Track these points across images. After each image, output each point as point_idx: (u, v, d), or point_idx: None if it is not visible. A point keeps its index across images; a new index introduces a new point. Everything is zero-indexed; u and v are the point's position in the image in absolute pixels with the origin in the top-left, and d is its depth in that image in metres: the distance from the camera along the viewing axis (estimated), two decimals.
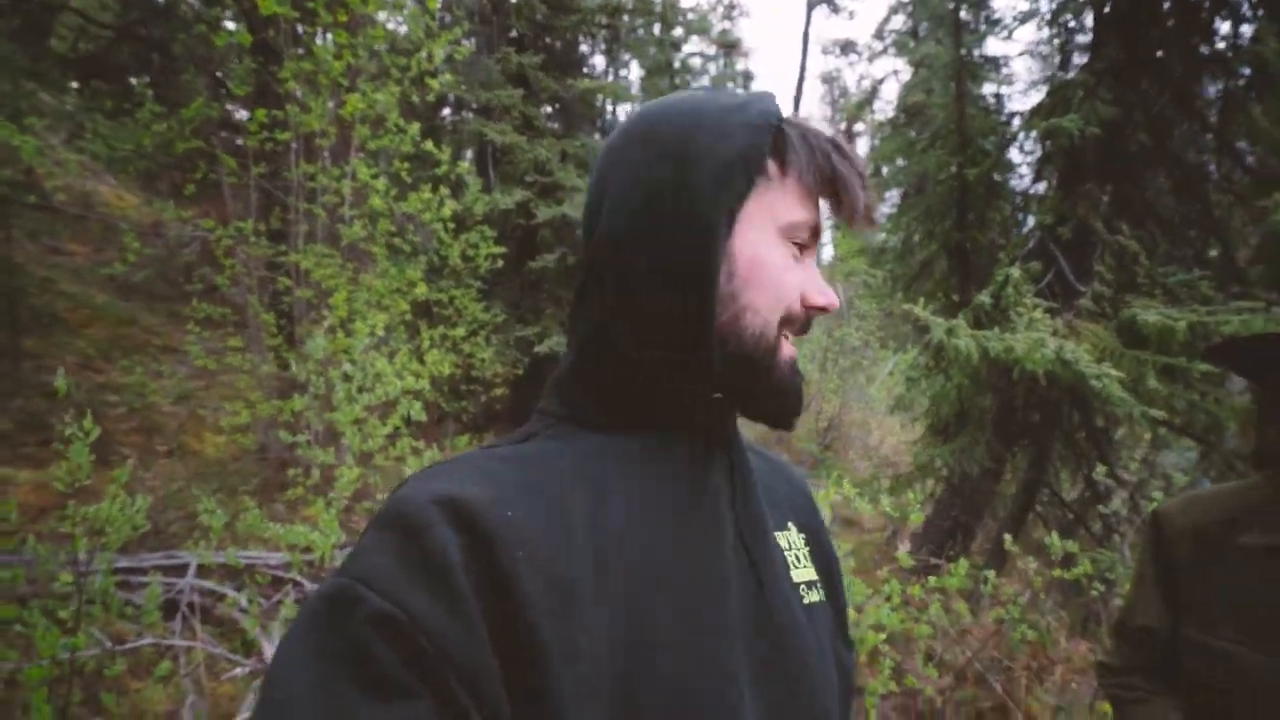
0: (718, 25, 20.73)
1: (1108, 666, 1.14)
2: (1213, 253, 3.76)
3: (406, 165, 4.91)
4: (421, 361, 4.54)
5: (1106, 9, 3.86)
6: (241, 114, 6.63)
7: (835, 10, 14.65)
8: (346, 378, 2.64)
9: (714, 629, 0.51)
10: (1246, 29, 3.68)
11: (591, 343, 0.57)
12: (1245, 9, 3.73)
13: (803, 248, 0.55)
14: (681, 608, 0.50)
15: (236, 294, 5.38)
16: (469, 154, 9.50)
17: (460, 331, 5.76)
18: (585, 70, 10.28)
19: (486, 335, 6.48)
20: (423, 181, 5.43)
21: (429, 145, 4.82)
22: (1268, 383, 1.01)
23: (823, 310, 0.55)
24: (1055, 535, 2.22)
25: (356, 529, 3.50)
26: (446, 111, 9.38)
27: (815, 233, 0.56)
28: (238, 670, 2.70)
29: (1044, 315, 3.06)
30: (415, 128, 4.82)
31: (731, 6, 21.01)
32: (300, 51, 4.99)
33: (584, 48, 10.72)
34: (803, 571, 0.62)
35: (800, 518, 0.67)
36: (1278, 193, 3.31)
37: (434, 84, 4.98)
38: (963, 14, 5.57)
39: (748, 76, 21.76)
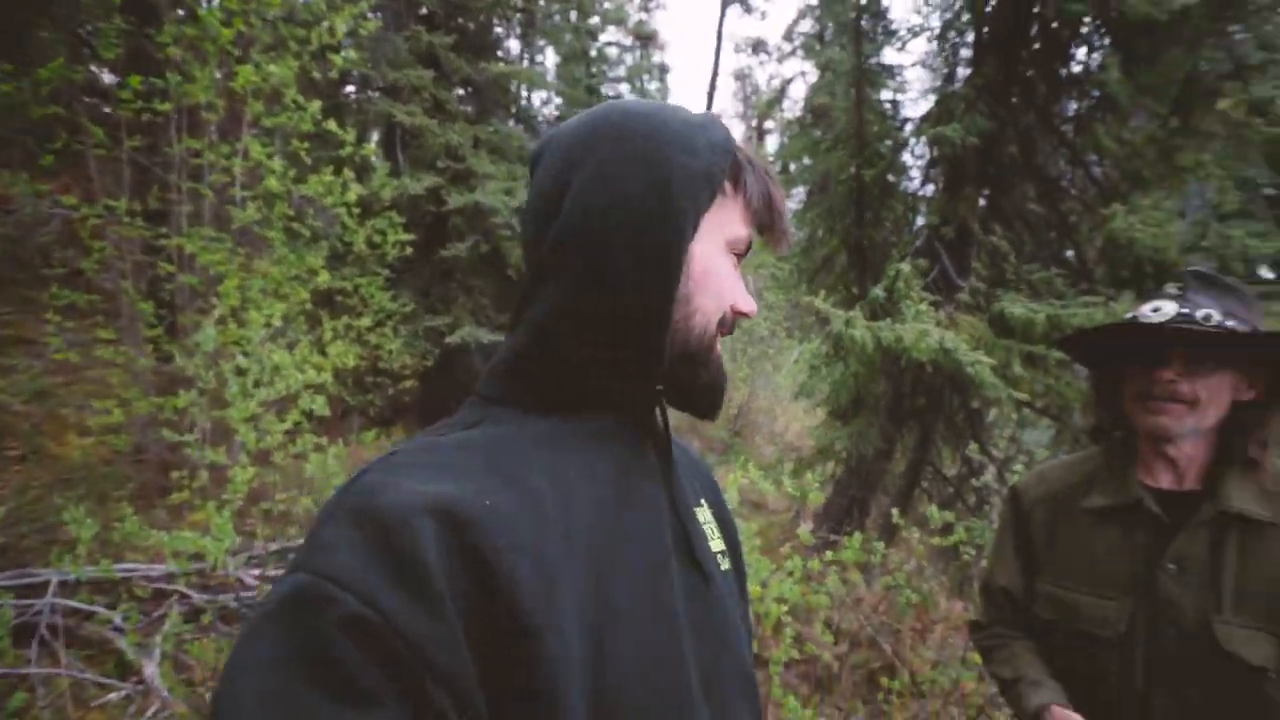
0: (634, 16, 20.78)
1: (976, 623, 1.31)
2: (1068, 254, 4.23)
3: (306, 145, 4.63)
4: (324, 353, 4.32)
5: (986, 30, 4.23)
6: (111, 79, 5.99)
7: (748, 10, 15.06)
8: (240, 371, 2.48)
9: (664, 607, 0.54)
10: (1097, 56, 4.16)
11: (543, 330, 0.57)
12: (1095, 38, 4.20)
13: (737, 260, 0.62)
14: (637, 590, 0.52)
15: (107, 280, 4.89)
16: (375, 136, 9.06)
17: (366, 321, 5.52)
18: (499, 54, 10.04)
19: (394, 326, 6.25)
20: (324, 163, 5.14)
21: (331, 125, 4.57)
22: (1100, 370, 1.19)
23: (746, 316, 0.62)
24: (935, 508, 2.45)
25: (252, 532, 3.31)
26: (350, 89, 8.89)
27: (749, 248, 0.63)
28: (112, 696, 2.48)
29: (929, 308, 3.34)
30: (316, 105, 4.55)
31: None
32: (181, 14, 4.58)
33: (498, 30, 10.46)
34: (716, 543, 0.68)
35: (708, 495, 0.73)
36: (1117, 203, 3.78)
37: (337, 60, 4.71)
38: (863, 23, 5.92)
39: (663, 69, 21.93)
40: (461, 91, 8.86)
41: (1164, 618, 1.01)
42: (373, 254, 5.83)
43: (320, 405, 2.77)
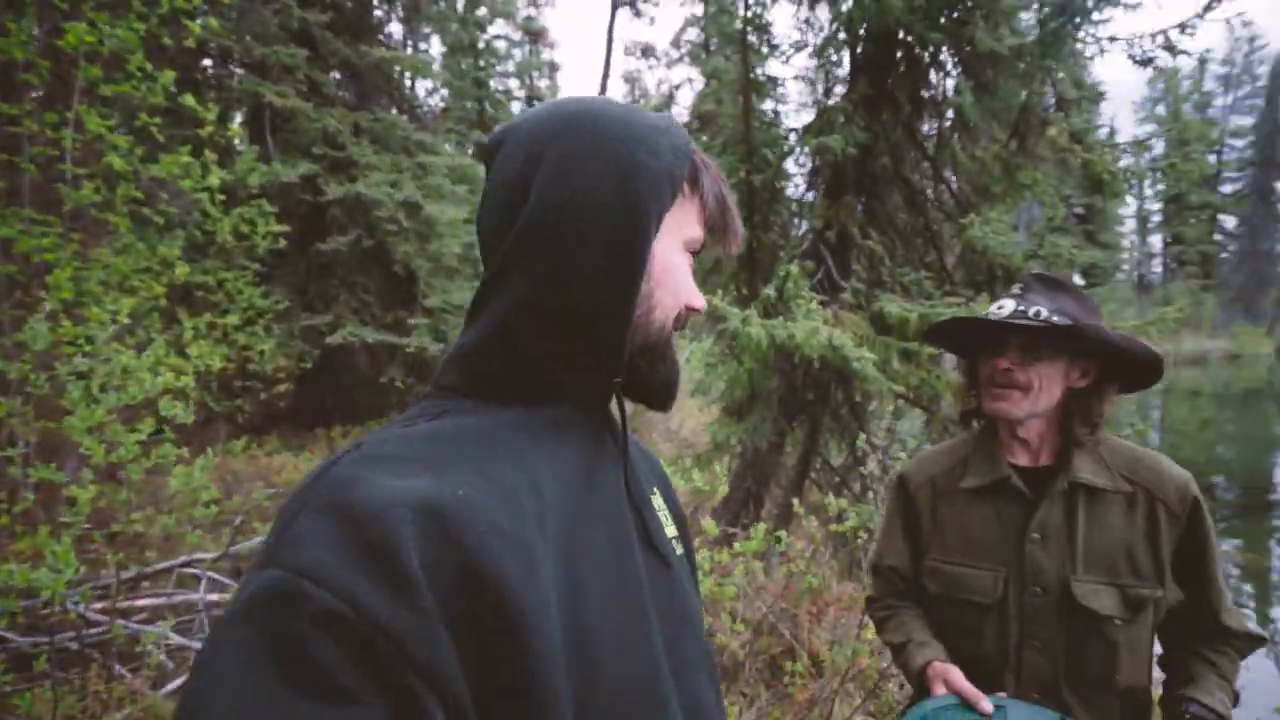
0: (523, 11, 20.45)
1: (870, 598, 1.42)
2: (930, 258, 4.68)
3: (158, 120, 4.10)
4: (184, 355, 3.85)
5: (859, 49, 4.58)
6: None
7: (637, 14, 15.29)
8: (81, 374, 2.14)
9: (632, 586, 0.55)
10: (951, 81, 4.64)
11: (505, 322, 0.58)
12: (949, 66, 4.69)
13: (692, 258, 0.65)
14: (606, 571, 0.53)
15: None
16: (238, 116, 8.24)
17: (234, 319, 4.98)
18: (381, 39, 9.48)
19: (266, 325, 5.69)
20: (178, 142, 4.59)
21: (190, 100, 4.08)
22: (965, 359, 1.33)
23: (698, 312, 0.64)
24: (831, 496, 2.62)
25: (97, 559, 2.87)
26: (208, 63, 8.02)
27: (702, 247, 0.65)
28: None
29: (819, 307, 3.56)
30: (169, 75, 4.05)
31: None
32: None
33: (379, 13, 9.87)
34: (670, 528, 0.70)
35: (660, 485, 0.76)
36: (973, 214, 4.24)
37: (194, 27, 4.22)
38: (750, 37, 6.20)
39: (553, 66, 21.82)
40: (339, 75, 8.27)
41: (1031, 580, 1.14)
42: (240, 246, 5.28)
43: (184, 413, 2.46)
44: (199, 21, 4.38)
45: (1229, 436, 12.61)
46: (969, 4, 3.80)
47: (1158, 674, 1.19)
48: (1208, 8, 3.93)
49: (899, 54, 4.56)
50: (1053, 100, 4.57)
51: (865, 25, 4.00)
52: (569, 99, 0.62)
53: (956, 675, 1.10)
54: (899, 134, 4.56)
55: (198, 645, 2.38)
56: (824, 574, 3.28)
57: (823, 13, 5.18)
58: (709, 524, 2.86)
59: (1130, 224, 36.70)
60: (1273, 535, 7.14)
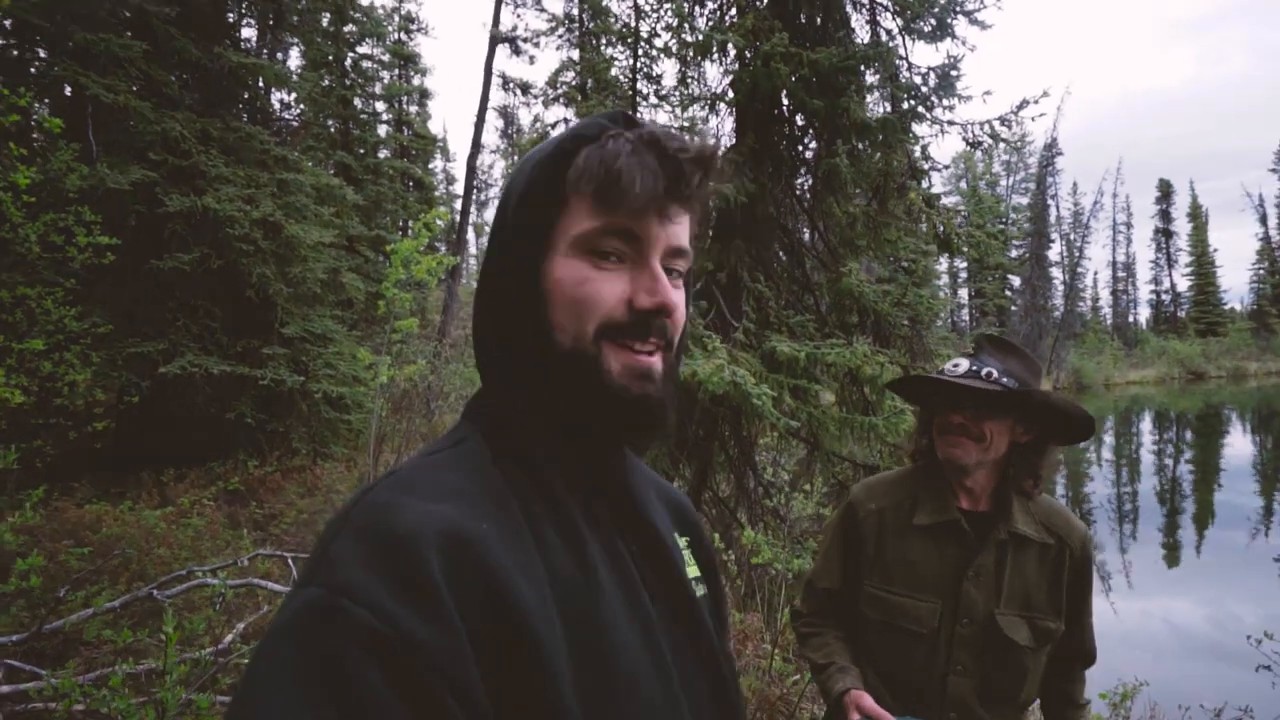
0: (394, 35, 19.77)
1: (797, 611, 1.49)
2: (808, 302, 5.08)
3: None
4: None
5: (745, 107, 4.94)
6: None
7: (517, 52, 15.38)
8: None
9: (640, 619, 0.54)
10: (823, 143, 5.15)
11: (483, 363, 0.61)
12: (821, 128, 5.21)
13: (616, 255, 0.54)
14: (608, 605, 0.52)
15: None
16: (43, 107, 7.05)
17: (37, 344, 4.14)
18: (234, 41, 8.64)
19: (81, 351, 4.79)
20: None
21: None
22: (920, 406, 1.45)
23: (653, 311, 0.54)
24: (749, 530, 2.68)
25: None
26: (7, 43, 6.81)
27: (627, 235, 0.54)
28: None
29: (722, 345, 3.70)
30: None
31: (410, 19, 20.29)
32: None
33: (233, 16, 9.02)
34: (691, 569, 0.68)
35: (683, 523, 0.72)
36: (844, 264, 4.67)
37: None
38: (638, 85, 6.47)
39: (424, 94, 21.24)
40: (184, 76, 7.39)
41: (963, 614, 1.27)
42: (49, 258, 4.44)
43: None
44: None
45: None
46: (844, 80, 4.25)
47: None
48: (1021, 106, 4.75)
49: (779, 113, 4.98)
50: (909, 168, 5.22)
51: (754, 87, 4.33)
52: None
53: (868, 701, 1.20)
54: (780, 187, 4.95)
55: None
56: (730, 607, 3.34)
57: (711, 71, 5.55)
58: None
59: (944, 279, 42.82)
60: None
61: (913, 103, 4.75)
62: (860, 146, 4.74)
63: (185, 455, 6.00)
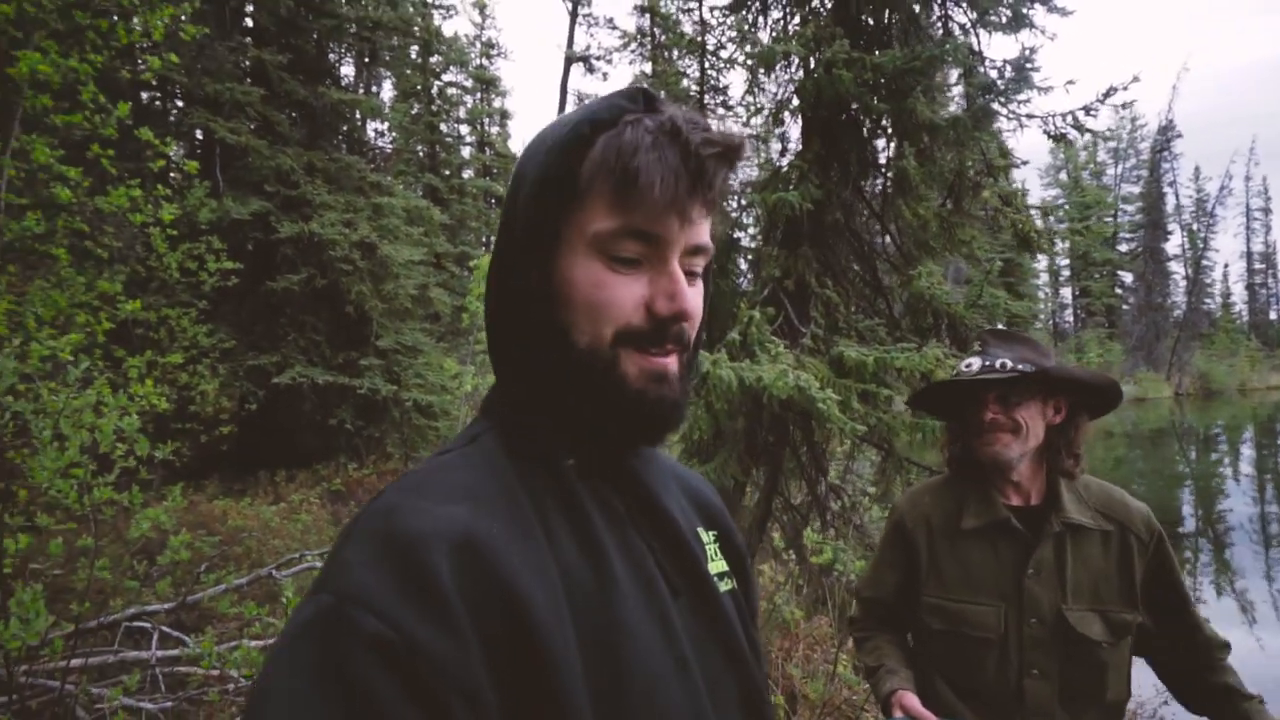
0: (476, 61, 20.88)
1: (852, 619, 1.51)
2: (880, 306, 4.99)
3: (111, 153, 3.97)
4: (130, 396, 3.63)
5: (811, 114, 4.94)
6: None
7: (590, 70, 15.87)
8: (42, 413, 2.02)
9: (658, 618, 0.53)
10: (893, 145, 5.06)
11: (496, 356, 0.60)
12: (891, 131, 5.12)
13: (636, 259, 0.52)
14: (625, 603, 0.51)
15: None
16: (181, 150, 8.01)
17: (176, 358, 4.75)
18: (336, 80, 9.48)
19: (210, 364, 5.44)
20: (127, 175, 4.44)
21: (145, 133, 3.98)
22: (949, 417, 1.44)
23: (672, 318, 0.53)
24: (810, 532, 2.71)
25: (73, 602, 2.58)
26: (146, 96, 7.81)
27: (645, 236, 0.51)
28: None
29: (785, 350, 3.73)
30: (124, 108, 3.96)
31: (490, 45, 21.38)
32: None
33: (335, 56, 9.90)
34: (716, 564, 0.66)
35: (710, 517, 0.72)
36: (919, 266, 4.57)
37: (155, 62, 4.16)
38: (705, 97, 6.58)
39: (505, 115, 22.23)
40: (293, 115, 8.20)
41: (1029, 613, 1.22)
42: (185, 282, 5.08)
43: (140, 449, 2.33)
44: (159, 58, 4.31)
45: (1140, 473, 13.60)
46: (910, 81, 4.19)
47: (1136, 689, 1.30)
48: (1107, 95, 4.48)
49: (845, 118, 4.95)
50: (984, 166, 5.03)
51: (818, 94, 4.34)
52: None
53: (911, 700, 1.20)
54: (849, 192, 4.90)
55: (147, 705, 2.20)
56: (791, 610, 3.34)
57: (774, 81, 5.57)
58: None
59: (1044, 278, 39.93)
60: (1184, 566, 7.69)
61: (987, 98, 4.60)
62: (931, 147, 4.63)
63: (295, 458, 6.62)
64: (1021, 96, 4.57)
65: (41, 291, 3.74)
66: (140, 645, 2.53)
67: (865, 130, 4.95)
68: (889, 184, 5.02)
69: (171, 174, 7.17)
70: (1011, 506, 1.30)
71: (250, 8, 7.49)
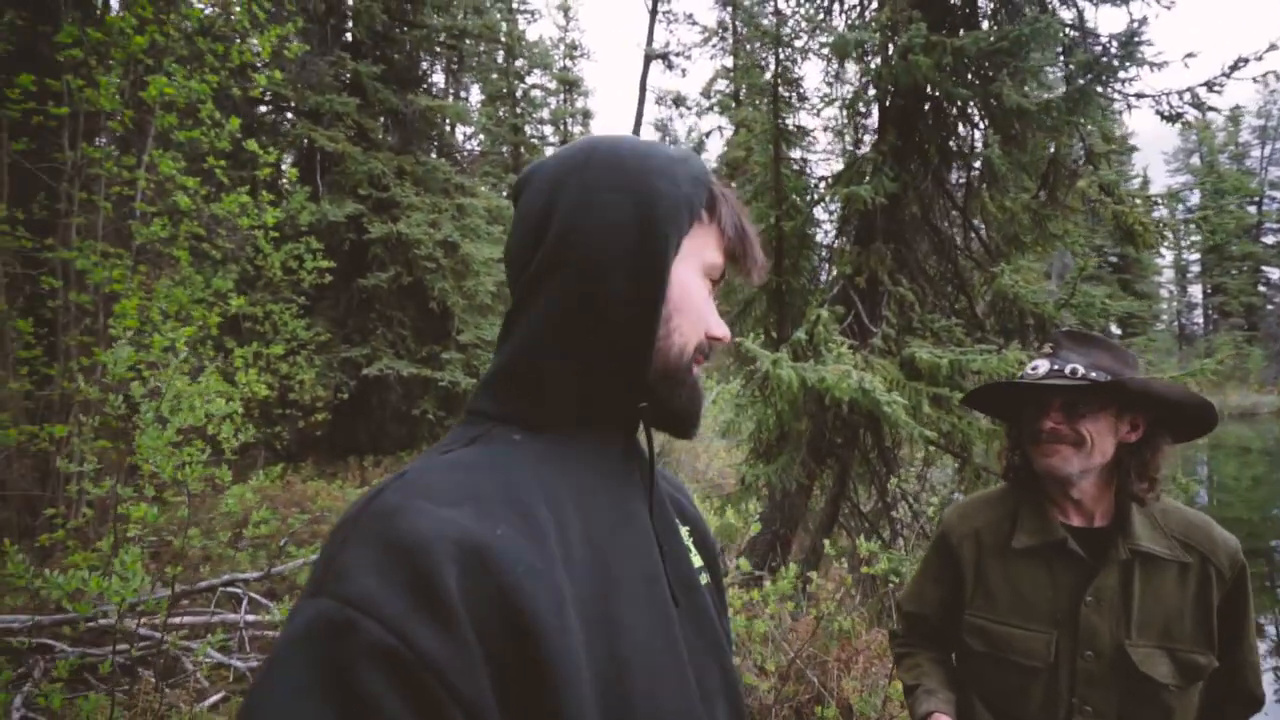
0: (560, 62, 21.37)
1: (893, 633, 1.44)
2: (960, 305, 4.70)
3: (224, 164, 4.40)
4: (233, 382, 4.02)
5: (888, 103, 4.72)
6: None
7: (670, 66, 15.87)
8: (152, 396, 2.28)
9: (663, 621, 0.55)
10: (978, 133, 4.74)
11: (530, 347, 0.58)
12: (978, 120, 4.80)
13: (713, 286, 0.64)
14: (638, 607, 0.53)
15: None
16: (288, 159, 8.71)
17: (278, 350, 5.20)
18: (426, 88, 10.00)
19: (308, 355, 5.91)
20: (238, 183, 4.89)
21: (252, 144, 4.38)
22: (1003, 419, 1.34)
23: (720, 341, 0.63)
24: (862, 539, 2.61)
25: (169, 567, 2.93)
26: (262, 109, 8.54)
27: (722, 276, 0.65)
28: None
29: (849, 351, 3.59)
30: (235, 122, 4.36)
31: (574, 47, 21.82)
32: (79, 14, 4.30)
33: (425, 65, 10.44)
34: (696, 559, 0.70)
35: (686, 514, 0.75)
36: (1003, 262, 4.27)
37: (261, 79, 4.56)
38: (780, 89, 6.41)
39: (586, 115, 22.62)
40: (385, 122, 8.73)
41: (1084, 645, 1.12)
42: (286, 280, 5.54)
43: (228, 436, 2.58)
44: (265, 75, 4.72)
45: None
46: (996, 63, 3.91)
47: None
48: (1234, 67, 3.99)
49: (927, 107, 4.69)
50: (1082, 153, 4.63)
51: (894, 82, 4.14)
52: (592, 137, 0.64)
53: None
54: (928, 184, 4.65)
55: (235, 663, 2.43)
56: (853, 619, 3.22)
57: (852, 69, 5.36)
58: (743, 562, 2.86)
59: (1169, 274, 36.06)
60: None
61: (1088, 78, 4.21)
62: (1021, 134, 4.30)
63: (382, 445, 7.07)
64: (1130, 74, 4.16)
65: (166, 289, 4.19)
66: (233, 610, 2.81)
67: (948, 118, 4.67)
68: (973, 175, 4.72)
69: (281, 180, 7.81)
70: (1071, 527, 1.18)
71: (349, 24, 8.03)
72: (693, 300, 0.61)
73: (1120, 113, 4.32)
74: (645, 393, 0.60)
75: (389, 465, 6.72)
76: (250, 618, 2.72)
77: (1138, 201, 4.23)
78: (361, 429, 7.04)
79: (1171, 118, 4.19)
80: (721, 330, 0.63)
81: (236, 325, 5.71)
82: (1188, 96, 4.04)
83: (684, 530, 0.70)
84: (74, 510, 2.76)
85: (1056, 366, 1.16)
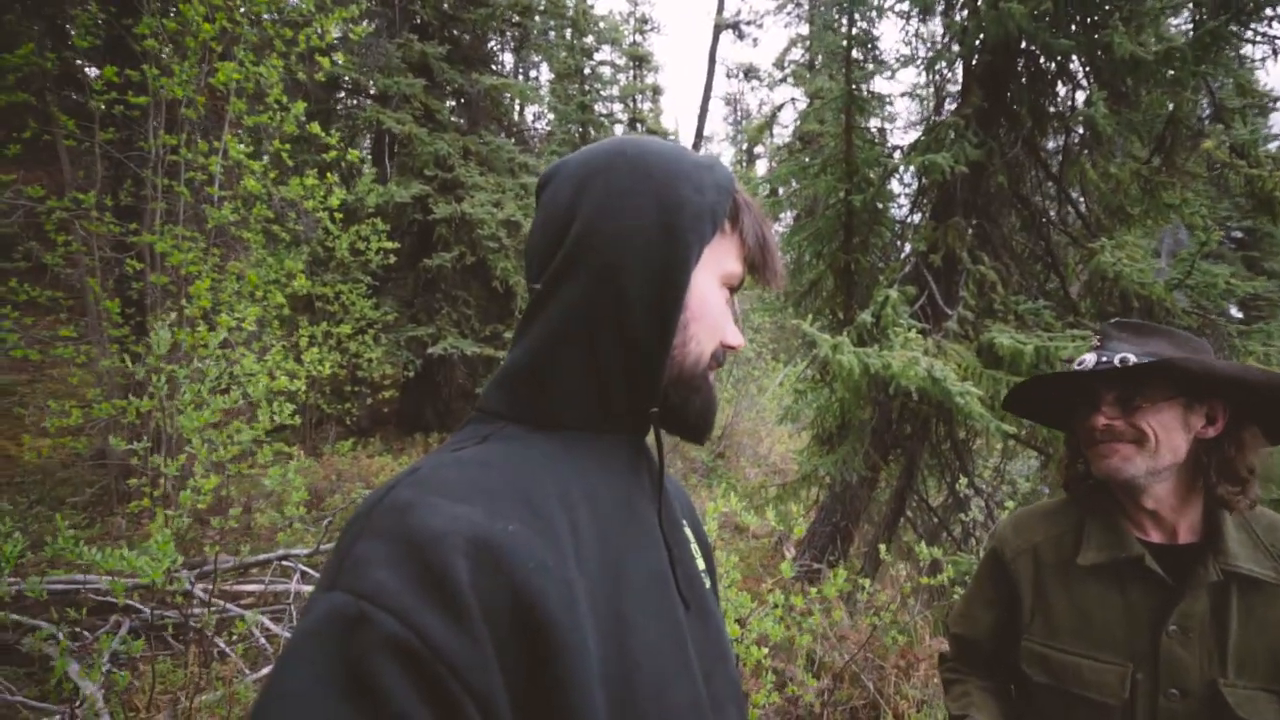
0: (629, 38, 21.04)
1: (943, 655, 1.29)
2: (1052, 285, 4.24)
3: (288, 147, 4.53)
4: (299, 360, 4.17)
5: (974, 61, 4.26)
6: (92, 70, 5.85)
7: (740, 36, 15.29)
8: (198, 375, 2.34)
9: (671, 621, 0.56)
10: (1080, 93, 4.21)
11: (548, 345, 0.58)
12: (1081, 76, 4.26)
13: (730, 294, 0.65)
14: (646, 606, 0.54)
15: (73, 276, 4.71)
16: (366, 142, 8.98)
17: (346, 329, 5.38)
18: (493, 67, 10.04)
19: (375, 334, 6.10)
20: (308, 166, 5.03)
21: (315, 127, 4.48)
22: (1049, 423, 1.15)
23: (734, 349, 0.65)
24: (922, 544, 2.38)
25: (208, 544, 3.12)
26: (341, 95, 8.82)
27: (741, 284, 0.66)
28: None
29: (917, 335, 3.30)
30: (300, 106, 4.47)
31: (644, 21, 21.39)
32: (159, 5, 4.49)
33: (492, 44, 10.47)
34: (699, 561, 0.70)
35: (688, 517, 0.75)
36: (1104, 237, 3.80)
37: (325, 62, 4.64)
38: (854, 53, 5.97)
39: (656, 91, 22.23)
40: (453, 103, 8.82)
41: (1167, 682, 0.96)
42: (355, 261, 5.71)
43: (286, 414, 2.64)
44: (331, 59, 4.80)
45: None
46: (1106, 8, 3.43)
47: None
48: None
49: (1020, 64, 4.21)
50: (1209, 109, 4.04)
51: (982, 36, 3.71)
52: (618, 138, 0.64)
53: None
54: (1018, 150, 4.18)
55: (288, 634, 2.52)
56: (914, 625, 2.99)
57: (934, 25, 4.90)
58: (785, 565, 2.69)
59: None
60: None
61: (1222, 18, 3.63)
62: (1132, 90, 3.78)
63: (448, 423, 7.26)
64: (1276, 12, 3.55)
65: (238, 270, 4.39)
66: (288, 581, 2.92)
67: (1044, 75, 4.17)
68: (1073, 139, 4.21)
69: (343, 163, 8.07)
70: (1148, 543, 1.01)
71: (417, 5, 8.12)
72: (711, 309, 0.61)
73: (1262, 60, 3.71)
74: (659, 397, 0.59)
75: None
76: (303, 589, 2.82)
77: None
78: (428, 406, 7.25)
79: None
80: (737, 339, 0.65)
81: (310, 304, 5.95)
82: None
83: (687, 532, 0.71)
84: (155, 481, 2.94)
85: (1105, 358, 0.99)
